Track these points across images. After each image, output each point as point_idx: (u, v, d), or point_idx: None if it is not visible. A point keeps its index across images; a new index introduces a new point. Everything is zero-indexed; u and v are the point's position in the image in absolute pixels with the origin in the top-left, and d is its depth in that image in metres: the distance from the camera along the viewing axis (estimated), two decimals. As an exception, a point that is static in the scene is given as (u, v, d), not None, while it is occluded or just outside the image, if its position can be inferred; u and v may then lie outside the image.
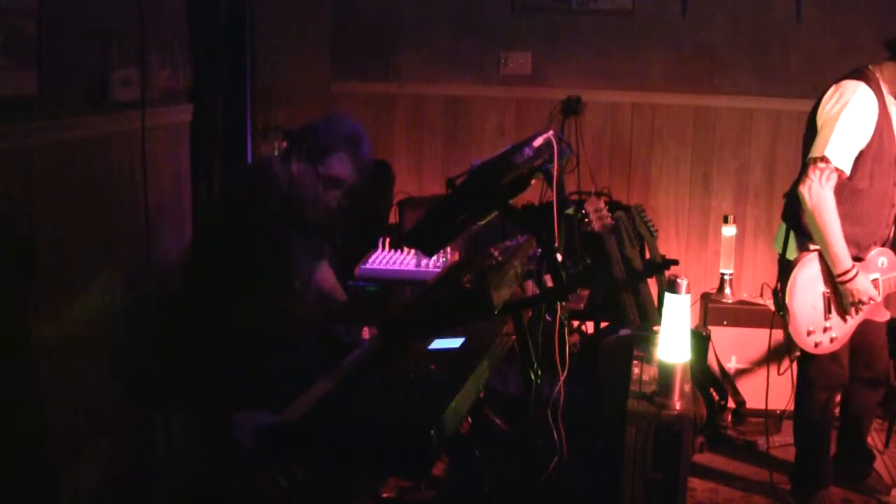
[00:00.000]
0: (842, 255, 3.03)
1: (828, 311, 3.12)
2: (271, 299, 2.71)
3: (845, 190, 3.05)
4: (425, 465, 2.02)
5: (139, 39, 2.82)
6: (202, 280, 2.73)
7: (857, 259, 3.10)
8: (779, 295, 3.12)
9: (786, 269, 3.14)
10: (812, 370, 3.24)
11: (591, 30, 4.73)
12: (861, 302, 3.08)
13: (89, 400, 2.76)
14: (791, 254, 3.18)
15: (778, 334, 3.81)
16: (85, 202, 2.72)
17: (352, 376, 2.38)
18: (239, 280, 2.63)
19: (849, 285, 3.05)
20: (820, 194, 2.99)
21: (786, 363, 3.43)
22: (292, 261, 2.87)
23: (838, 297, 3.11)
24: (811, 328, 3.10)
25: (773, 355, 3.91)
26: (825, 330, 3.12)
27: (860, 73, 3.07)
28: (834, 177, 3.00)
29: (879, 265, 3.17)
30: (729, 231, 4.21)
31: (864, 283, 3.07)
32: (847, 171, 3.01)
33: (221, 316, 2.64)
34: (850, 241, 3.05)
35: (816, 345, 3.12)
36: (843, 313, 3.13)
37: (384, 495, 3.14)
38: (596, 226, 3.47)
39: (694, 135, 4.74)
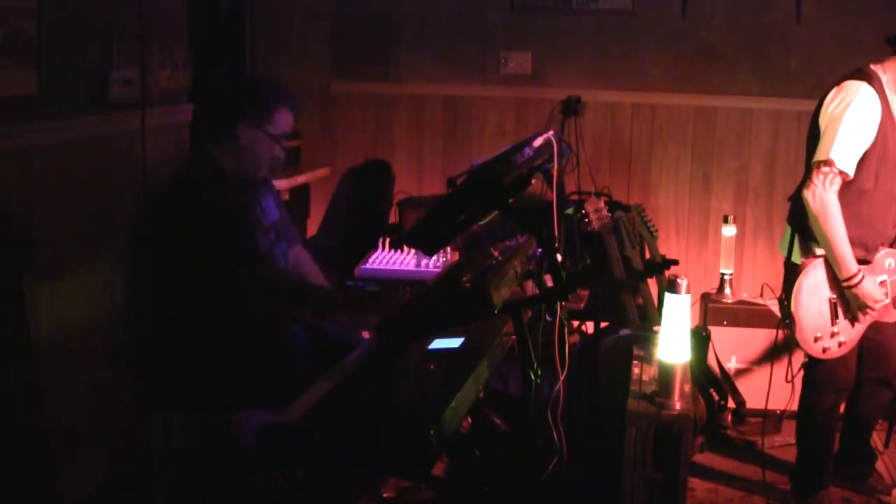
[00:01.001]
0: (847, 259, 3.02)
1: (835, 316, 3.10)
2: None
3: (851, 191, 3.04)
4: (425, 465, 2.01)
5: (139, 39, 2.82)
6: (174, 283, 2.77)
7: (864, 262, 3.08)
8: (784, 303, 3.10)
9: (791, 273, 3.13)
10: (820, 373, 3.23)
11: (591, 30, 4.72)
12: (868, 306, 3.07)
13: (89, 400, 2.76)
14: (796, 258, 3.17)
15: (777, 334, 3.80)
16: (85, 202, 2.72)
17: (352, 376, 2.38)
18: (207, 276, 2.68)
19: (855, 290, 3.04)
20: (824, 198, 2.98)
21: (794, 368, 3.39)
22: (254, 245, 2.91)
23: (845, 302, 3.10)
24: (818, 334, 3.09)
25: (773, 355, 3.90)
26: (833, 335, 3.11)
27: (862, 73, 3.06)
28: (838, 180, 2.99)
29: (887, 266, 3.15)
30: (729, 231, 4.20)
31: (871, 287, 3.06)
32: (851, 173, 2.99)
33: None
34: (858, 242, 3.04)
35: (825, 350, 3.11)
36: (851, 318, 3.12)
37: (384, 495, 3.14)
38: (596, 226, 3.46)
39: (694, 135, 4.74)
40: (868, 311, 3.08)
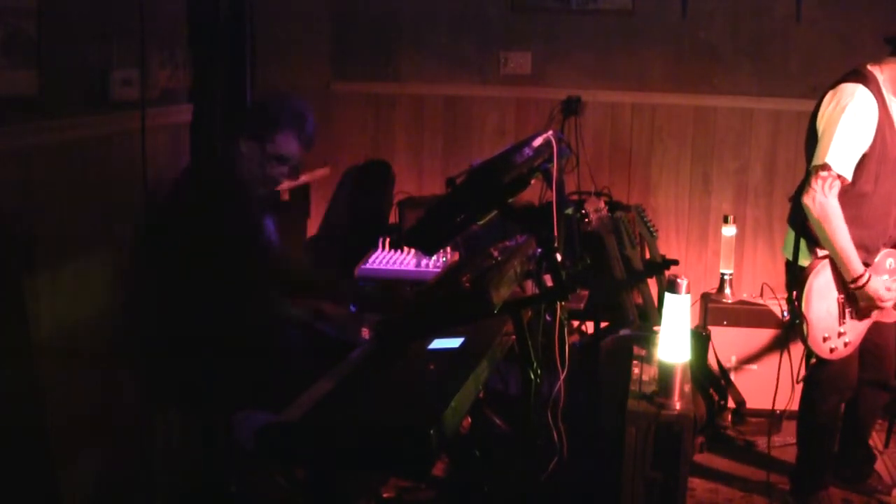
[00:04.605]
0: (852, 261, 3.01)
1: (842, 316, 3.10)
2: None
3: (850, 193, 3.03)
4: (425, 465, 2.02)
5: (139, 39, 2.82)
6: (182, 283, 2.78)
7: (864, 264, 3.08)
8: (794, 304, 3.09)
9: (798, 275, 3.12)
10: (825, 375, 3.23)
11: (591, 30, 4.73)
12: (877, 305, 3.07)
13: (89, 400, 2.76)
14: (803, 260, 3.15)
15: (782, 335, 3.80)
16: (85, 202, 2.72)
17: (352, 376, 2.38)
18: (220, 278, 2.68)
19: (863, 291, 3.04)
20: (824, 204, 2.97)
21: (802, 370, 3.38)
22: (264, 247, 2.92)
23: (853, 303, 3.10)
24: (826, 334, 3.09)
25: (774, 355, 3.90)
26: (840, 335, 3.11)
27: (858, 75, 3.04)
28: (837, 184, 2.98)
29: (888, 267, 3.14)
30: (729, 231, 4.20)
31: (878, 286, 3.06)
32: (849, 177, 2.98)
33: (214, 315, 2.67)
34: (858, 244, 3.03)
35: (832, 350, 3.11)
36: (858, 317, 3.12)
37: (384, 495, 3.14)
38: (596, 225, 3.47)
39: (694, 135, 4.74)
40: (875, 310, 3.09)
